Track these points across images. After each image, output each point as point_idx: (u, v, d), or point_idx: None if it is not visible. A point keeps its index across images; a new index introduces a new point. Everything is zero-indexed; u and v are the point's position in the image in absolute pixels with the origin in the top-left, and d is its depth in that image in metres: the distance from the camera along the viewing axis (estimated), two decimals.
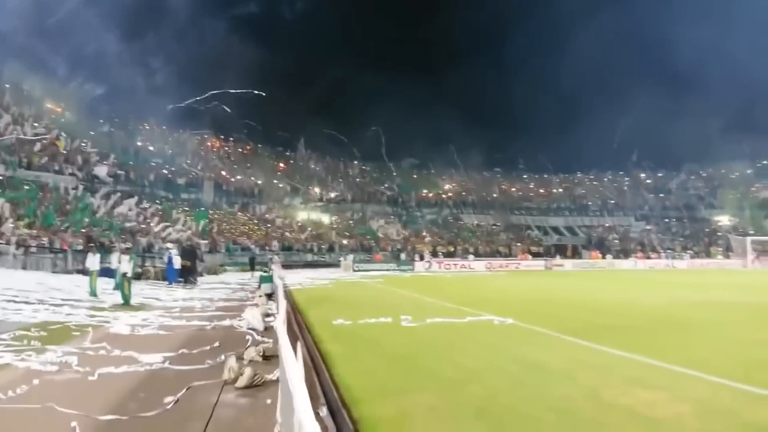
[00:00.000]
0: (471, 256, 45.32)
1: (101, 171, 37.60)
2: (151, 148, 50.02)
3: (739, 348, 7.98)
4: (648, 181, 67.30)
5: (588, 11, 78.00)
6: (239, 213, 48.06)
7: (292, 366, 2.72)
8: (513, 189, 66.83)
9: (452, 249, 48.39)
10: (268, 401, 5.33)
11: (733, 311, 12.57)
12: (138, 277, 21.89)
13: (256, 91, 49.76)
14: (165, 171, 46.98)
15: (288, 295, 17.43)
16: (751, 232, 49.04)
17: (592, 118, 67.62)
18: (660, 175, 68.16)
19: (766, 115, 60.03)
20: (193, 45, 56.35)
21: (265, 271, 22.50)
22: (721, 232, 53.71)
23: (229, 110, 51.88)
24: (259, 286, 18.27)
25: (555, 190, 66.39)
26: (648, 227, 58.49)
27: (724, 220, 57.13)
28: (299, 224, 48.70)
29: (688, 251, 48.82)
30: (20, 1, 38.17)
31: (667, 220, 59.98)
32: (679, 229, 57.20)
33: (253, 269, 32.24)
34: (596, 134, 70.44)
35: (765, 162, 63.26)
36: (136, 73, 48.70)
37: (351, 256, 40.99)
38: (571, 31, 77.28)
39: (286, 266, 37.91)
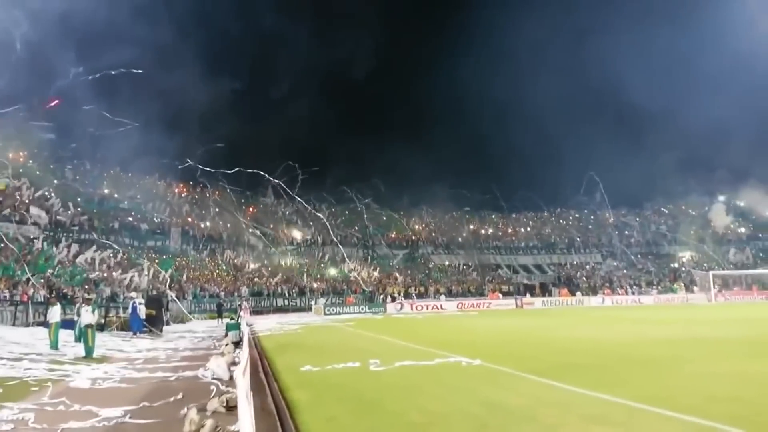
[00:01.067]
0: (442, 296, 45.35)
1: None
2: (117, 195, 49.28)
3: (700, 383, 8.18)
4: (611, 219, 68.91)
5: (547, 52, 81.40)
6: (207, 259, 47.33)
7: (246, 418, 2.78)
8: (482, 229, 67.50)
9: (423, 289, 48.35)
10: None
11: (695, 346, 12.89)
12: (101, 327, 21.32)
13: (221, 144, 49.49)
14: (130, 218, 46.18)
15: (256, 341, 17.22)
16: (714, 266, 50.35)
17: (557, 157, 69.75)
18: (623, 212, 69.92)
19: (723, 151, 62.82)
20: (167, 99, 56.06)
21: (232, 319, 22.12)
22: (685, 268, 55.03)
23: (200, 166, 51.40)
24: (226, 334, 17.98)
25: (522, 229, 67.25)
26: (614, 264, 59.60)
27: (686, 255, 58.71)
28: (269, 269, 48.14)
29: (654, 287, 49.76)
30: None
31: (632, 256, 61.23)
32: (644, 266, 58.41)
33: (221, 316, 31.63)
34: (561, 173, 72.80)
35: (722, 198, 65.63)
36: (106, 122, 47.94)
37: (322, 300, 40.58)
38: (534, 73, 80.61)
39: (256, 312, 37.39)
